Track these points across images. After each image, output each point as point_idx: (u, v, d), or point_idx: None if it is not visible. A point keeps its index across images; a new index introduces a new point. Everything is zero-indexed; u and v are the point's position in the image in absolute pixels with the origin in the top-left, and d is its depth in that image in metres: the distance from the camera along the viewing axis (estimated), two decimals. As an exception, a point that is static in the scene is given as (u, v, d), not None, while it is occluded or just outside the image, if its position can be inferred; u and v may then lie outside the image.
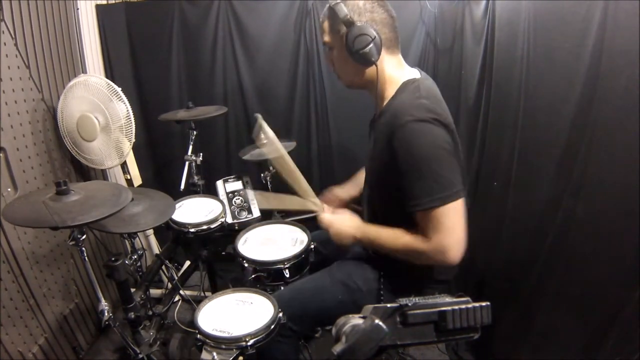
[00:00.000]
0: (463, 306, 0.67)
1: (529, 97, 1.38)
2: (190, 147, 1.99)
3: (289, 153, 1.91)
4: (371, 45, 1.08)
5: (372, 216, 1.29)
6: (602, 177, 1.06)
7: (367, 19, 1.11)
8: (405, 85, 1.15)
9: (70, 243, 1.20)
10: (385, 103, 1.18)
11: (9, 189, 1.55)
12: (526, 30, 1.36)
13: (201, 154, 2.01)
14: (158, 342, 1.43)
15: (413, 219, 1.08)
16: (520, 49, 1.40)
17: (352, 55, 1.11)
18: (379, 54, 1.10)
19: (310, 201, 1.41)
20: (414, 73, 1.22)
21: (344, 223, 1.26)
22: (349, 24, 1.09)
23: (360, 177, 1.54)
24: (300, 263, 1.42)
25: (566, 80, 1.16)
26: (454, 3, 1.98)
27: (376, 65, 1.11)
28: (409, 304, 0.68)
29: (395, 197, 1.12)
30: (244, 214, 1.86)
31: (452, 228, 1.02)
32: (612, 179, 1.03)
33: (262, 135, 1.48)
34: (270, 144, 1.47)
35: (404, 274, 1.23)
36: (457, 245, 1.03)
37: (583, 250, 1.14)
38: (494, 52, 1.62)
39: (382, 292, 1.24)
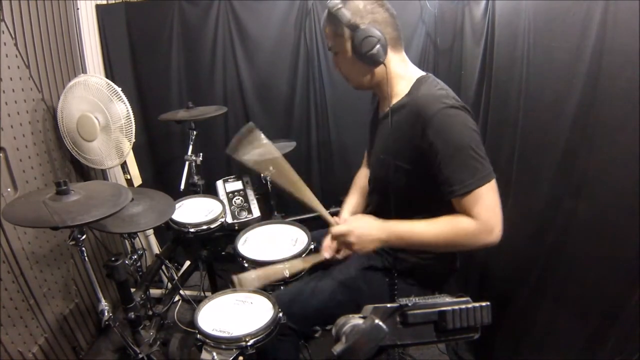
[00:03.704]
0: (463, 306, 0.68)
1: (529, 97, 1.38)
2: (190, 147, 2.00)
3: (289, 153, 1.93)
4: (378, 46, 1.08)
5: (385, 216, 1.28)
6: (602, 177, 1.06)
7: (369, 20, 1.11)
8: (422, 80, 1.17)
9: (70, 243, 1.20)
10: (398, 99, 1.18)
11: (9, 189, 1.55)
12: (526, 30, 1.36)
13: (201, 154, 2.02)
14: (158, 342, 1.43)
15: (436, 210, 1.08)
16: (520, 49, 1.40)
17: (360, 57, 1.12)
18: (386, 53, 1.11)
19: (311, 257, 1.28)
20: (420, 70, 1.23)
21: (363, 228, 1.12)
22: (354, 27, 1.09)
23: (359, 181, 1.53)
24: (300, 263, 1.41)
25: (566, 80, 1.16)
26: (454, 3, 1.98)
27: (385, 65, 1.12)
28: (409, 304, 0.68)
29: (419, 190, 1.13)
30: (244, 214, 1.86)
31: (495, 205, 1.03)
32: (613, 179, 1.03)
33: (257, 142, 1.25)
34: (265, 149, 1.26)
35: (415, 272, 1.25)
36: (500, 222, 1.03)
37: (583, 250, 1.14)
38: (494, 52, 1.62)
39: (395, 291, 1.23)
